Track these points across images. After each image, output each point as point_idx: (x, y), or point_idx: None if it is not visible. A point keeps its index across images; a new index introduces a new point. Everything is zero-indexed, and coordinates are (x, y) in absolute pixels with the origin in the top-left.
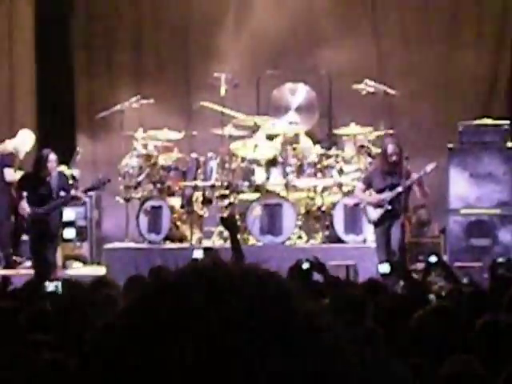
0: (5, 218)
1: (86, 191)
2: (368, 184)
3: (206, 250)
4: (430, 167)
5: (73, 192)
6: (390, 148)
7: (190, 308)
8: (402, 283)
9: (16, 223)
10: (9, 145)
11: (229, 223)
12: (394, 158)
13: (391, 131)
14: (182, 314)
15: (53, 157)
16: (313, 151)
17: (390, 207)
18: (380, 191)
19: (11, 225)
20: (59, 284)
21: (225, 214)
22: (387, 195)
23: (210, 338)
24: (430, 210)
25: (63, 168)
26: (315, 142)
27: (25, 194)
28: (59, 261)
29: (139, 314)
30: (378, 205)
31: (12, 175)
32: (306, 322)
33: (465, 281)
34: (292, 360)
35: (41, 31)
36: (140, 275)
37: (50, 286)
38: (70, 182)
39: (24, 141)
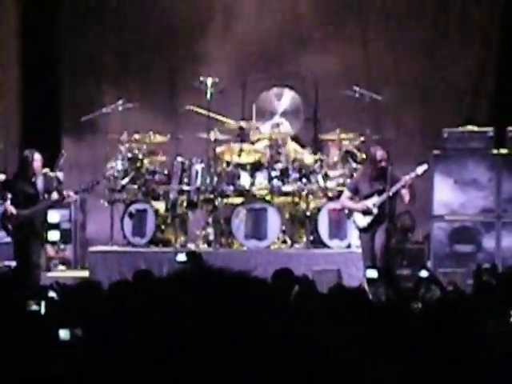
0: None
1: (76, 193)
2: (354, 191)
3: (189, 253)
4: (421, 169)
5: (65, 192)
6: (379, 154)
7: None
8: (385, 290)
9: None
10: None
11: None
12: (383, 163)
13: (376, 137)
14: None
15: (38, 156)
16: (297, 156)
17: (377, 212)
18: (367, 197)
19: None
20: (42, 303)
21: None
22: (375, 200)
23: None
24: (414, 215)
25: (47, 170)
26: (300, 147)
27: (9, 195)
28: (43, 263)
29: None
30: (366, 211)
31: None
32: None
33: (449, 288)
34: None
35: (27, 34)
36: (125, 280)
37: (33, 306)
38: (54, 184)
39: None
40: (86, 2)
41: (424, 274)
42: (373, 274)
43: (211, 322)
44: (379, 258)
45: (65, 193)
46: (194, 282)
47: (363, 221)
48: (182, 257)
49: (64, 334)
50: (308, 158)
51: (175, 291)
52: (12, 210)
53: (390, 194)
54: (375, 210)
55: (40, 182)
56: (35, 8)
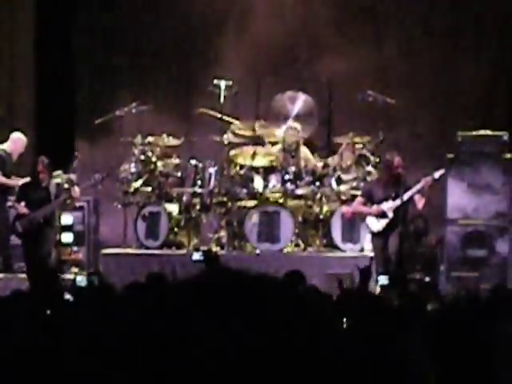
0: (2, 220)
1: (85, 188)
2: (368, 196)
3: (205, 252)
4: (438, 173)
5: (71, 190)
6: (396, 160)
7: None
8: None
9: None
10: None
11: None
12: (399, 170)
13: (390, 141)
14: None
15: (43, 166)
16: (311, 159)
17: (393, 217)
18: (381, 202)
19: (9, 228)
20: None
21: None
22: (391, 205)
23: None
24: (427, 219)
25: (60, 173)
26: (314, 151)
27: (23, 203)
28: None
29: None
30: (381, 215)
31: None
32: None
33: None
34: None
35: (41, 36)
36: (138, 282)
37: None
38: (66, 186)
39: (14, 143)
40: (101, 4)
41: (384, 281)
42: (384, 280)
43: (231, 326)
44: (393, 263)
45: (71, 192)
46: (213, 283)
47: (377, 225)
48: (197, 256)
49: (81, 279)
50: (318, 164)
51: (193, 293)
52: (24, 210)
53: (405, 198)
54: (390, 214)
55: (52, 187)
56: (50, 9)
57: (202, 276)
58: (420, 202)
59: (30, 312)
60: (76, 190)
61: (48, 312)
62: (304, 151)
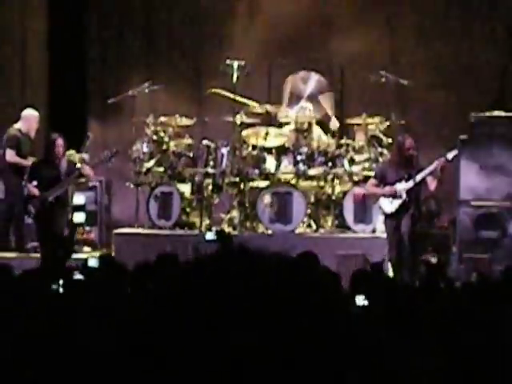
0: (16, 199)
1: (94, 166)
2: (381, 178)
3: (219, 232)
4: (451, 154)
5: (81, 168)
6: (408, 142)
7: None
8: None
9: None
10: (13, 127)
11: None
12: (411, 151)
13: (402, 121)
14: None
15: (60, 142)
16: (324, 140)
17: (406, 198)
18: (394, 184)
19: (24, 208)
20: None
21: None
22: (404, 186)
23: None
24: (439, 201)
25: (72, 152)
26: (326, 131)
27: (34, 182)
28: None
29: None
30: (394, 196)
31: (12, 156)
32: None
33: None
34: None
35: (54, 16)
36: (149, 262)
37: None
38: (79, 165)
39: (27, 120)
40: None
41: (210, 236)
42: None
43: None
44: (405, 244)
45: (81, 168)
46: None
47: (390, 206)
48: (211, 235)
49: (93, 262)
50: (331, 144)
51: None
52: (35, 191)
53: (418, 179)
54: (403, 196)
55: (63, 166)
56: None
57: (217, 256)
58: (432, 184)
59: (41, 291)
60: (86, 169)
61: (59, 291)
62: (317, 132)
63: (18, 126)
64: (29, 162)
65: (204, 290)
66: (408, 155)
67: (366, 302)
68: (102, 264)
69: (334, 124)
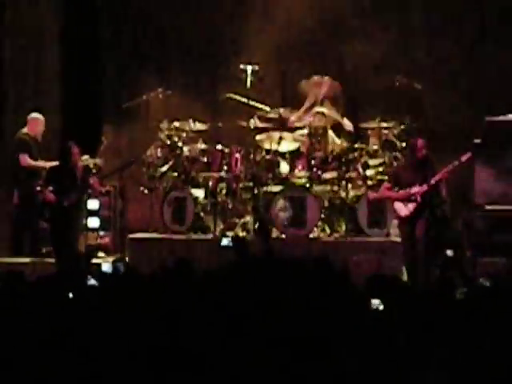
0: (30, 204)
1: (109, 174)
2: (395, 182)
3: (234, 238)
4: (465, 157)
5: (91, 180)
6: (420, 143)
7: None
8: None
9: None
10: (21, 132)
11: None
12: (423, 152)
13: (416, 125)
14: None
15: (75, 150)
16: (338, 144)
17: (420, 201)
18: (408, 187)
19: (38, 212)
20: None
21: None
22: (418, 189)
23: None
24: (454, 205)
25: (87, 157)
26: (340, 135)
27: (50, 188)
28: (82, 250)
29: None
30: (409, 200)
31: (26, 161)
32: None
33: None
34: None
35: (68, 21)
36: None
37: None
38: (94, 171)
39: (33, 124)
40: None
41: (225, 242)
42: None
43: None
44: (420, 248)
45: (90, 181)
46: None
47: (405, 210)
48: (226, 241)
49: (107, 267)
50: (345, 147)
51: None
52: (51, 196)
53: (432, 182)
54: (418, 199)
55: (79, 172)
56: None
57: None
58: (444, 189)
59: (56, 296)
60: (95, 181)
61: (71, 296)
62: (331, 136)
63: (25, 130)
64: (45, 164)
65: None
66: (421, 156)
67: (381, 307)
68: (114, 270)
69: (349, 125)
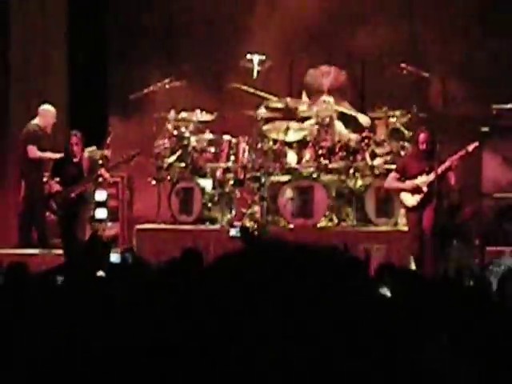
0: (37, 196)
1: (115, 166)
2: (402, 172)
3: (243, 228)
4: (471, 146)
5: (100, 170)
6: (421, 137)
7: None
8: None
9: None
10: (31, 123)
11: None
12: (423, 146)
13: (424, 114)
14: None
15: (75, 139)
16: (345, 134)
17: (427, 191)
18: (415, 177)
19: (45, 204)
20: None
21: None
22: (425, 179)
23: None
24: (461, 193)
25: (94, 149)
26: (347, 125)
27: (57, 179)
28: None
29: None
30: (415, 190)
31: (34, 152)
32: None
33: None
34: None
35: (74, 13)
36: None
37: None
38: (101, 162)
39: (44, 116)
40: None
41: (234, 232)
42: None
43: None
44: (427, 237)
45: (99, 172)
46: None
47: (412, 200)
48: (234, 232)
49: (115, 257)
50: (352, 138)
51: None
52: (57, 187)
53: (439, 172)
54: (425, 189)
55: (85, 162)
56: None
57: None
58: (452, 178)
59: (66, 287)
60: (103, 172)
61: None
62: (338, 125)
63: (35, 121)
64: (53, 155)
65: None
66: (422, 149)
67: (388, 294)
68: (122, 260)
69: (366, 121)
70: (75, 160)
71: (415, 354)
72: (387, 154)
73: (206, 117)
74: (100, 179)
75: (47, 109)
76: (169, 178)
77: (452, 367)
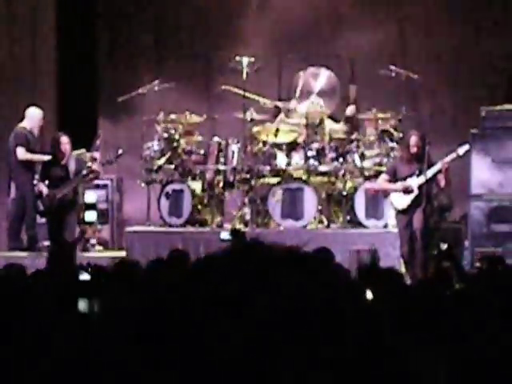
0: (27, 198)
1: (102, 165)
2: (393, 174)
3: (233, 231)
4: (462, 150)
5: (92, 166)
6: (413, 140)
7: None
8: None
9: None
10: (19, 126)
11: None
12: (414, 149)
13: (412, 115)
14: None
15: (65, 139)
16: (336, 129)
17: (418, 193)
18: (405, 179)
19: (35, 206)
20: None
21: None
22: (415, 181)
23: None
24: (451, 195)
25: (83, 151)
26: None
27: (46, 182)
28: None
29: None
30: (406, 191)
31: (23, 154)
32: None
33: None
34: None
35: (63, 13)
36: (161, 258)
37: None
38: (89, 164)
39: (31, 118)
40: None
41: (225, 235)
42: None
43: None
44: (417, 239)
45: (92, 166)
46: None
47: (402, 202)
48: (225, 235)
49: (82, 305)
50: (344, 133)
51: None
52: (44, 189)
53: (429, 175)
54: (415, 191)
55: (72, 164)
56: None
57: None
58: (442, 180)
59: (48, 291)
60: (95, 165)
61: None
62: (328, 127)
63: (23, 124)
64: (42, 157)
65: (215, 286)
66: (412, 153)
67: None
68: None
69: (351, 110)
70: (63, 162)
71: (398, 356)
72: (377, 155)
73: (196, 119)
74: (91, 175)
75: (34, 111)
76: (158, 180)
77: (430, 367)
